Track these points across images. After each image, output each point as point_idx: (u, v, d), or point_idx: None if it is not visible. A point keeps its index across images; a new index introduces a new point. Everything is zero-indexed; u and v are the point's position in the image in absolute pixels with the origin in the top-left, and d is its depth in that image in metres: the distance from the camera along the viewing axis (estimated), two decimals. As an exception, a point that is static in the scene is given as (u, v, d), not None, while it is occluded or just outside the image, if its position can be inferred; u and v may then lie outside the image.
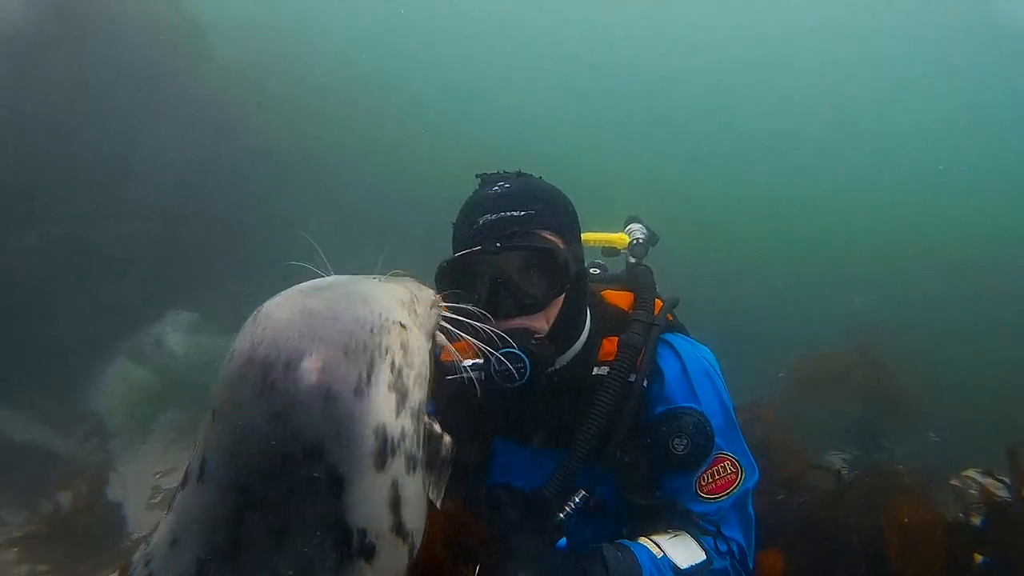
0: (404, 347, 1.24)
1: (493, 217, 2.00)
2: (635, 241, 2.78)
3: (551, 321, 2.01)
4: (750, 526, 2.12)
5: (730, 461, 2.09)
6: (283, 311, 1.19)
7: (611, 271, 2.80)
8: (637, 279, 2.41)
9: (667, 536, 2.00)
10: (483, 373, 1.91)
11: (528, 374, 1.90)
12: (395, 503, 1.16)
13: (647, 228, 2.85)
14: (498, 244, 1.95)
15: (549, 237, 2.02)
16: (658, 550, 1.93)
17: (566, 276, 1.99)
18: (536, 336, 1.98)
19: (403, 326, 1.26)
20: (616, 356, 2.12)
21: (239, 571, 1.12)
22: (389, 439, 1.16)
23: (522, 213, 2.00)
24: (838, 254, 20.94)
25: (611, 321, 2.23)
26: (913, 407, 8.08)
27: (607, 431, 2.05)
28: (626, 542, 1.95)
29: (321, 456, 1.12)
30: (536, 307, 1.98)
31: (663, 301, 2.33)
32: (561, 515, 2.02)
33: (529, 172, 2.21)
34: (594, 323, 2.21)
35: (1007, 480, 5.23)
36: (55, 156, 7.82)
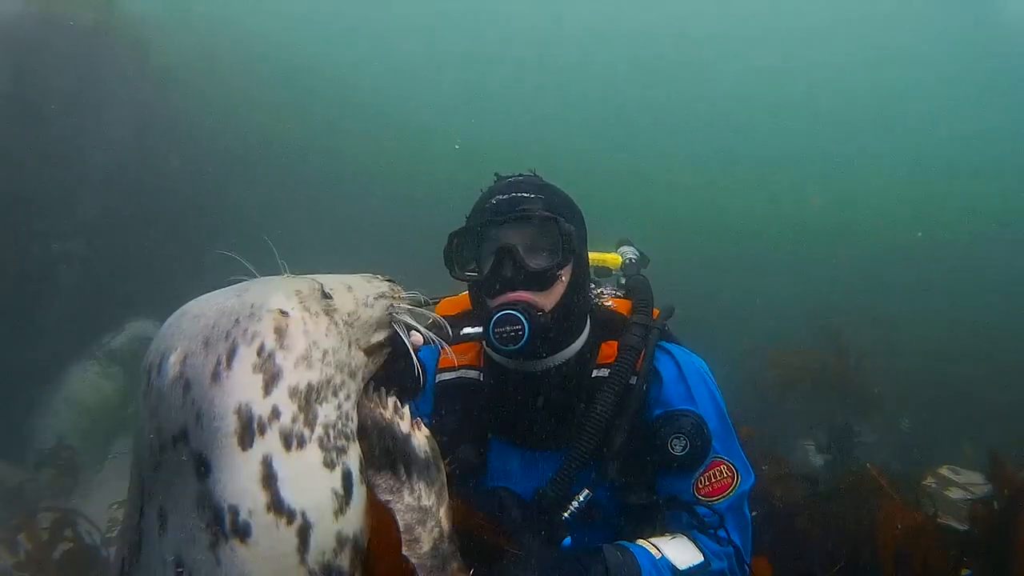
0: (279, 331, 1.29)
1: (505, 197, 2.09)
2: (627, 261, 2.86)
3: (551, 305, 2.05)
4: (747, 528, 2.16)
5: (726, 465, 2.13)
6: (170, 319, 1.34)
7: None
8: (636, 288, 2.48)
9: (665, 538, 2.03)
10: (483, 341, 2.00)
11: (526, 338, 1.94)
12: (268, 480, 1.18)
13: (638, 250, 2.95)
14: (504, 212, 2.05)
15: (557, 216, 2.10)
16: (657, 551, 1.96)
17: (570, 249, 2.04)
18: (538, 310, 2.01)
19: (282, 313, 1.31)
20: (616, 358, 2.17)
21: (140, 563, 1.23)
22: (254, 418, 1.20)
23: (533, 196, 2.10)
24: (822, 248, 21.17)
25: (610, 326, 2.29)
26: (885, 397, 8.19)
27: (607, 431, 2.09)
28: (625, 543, 1.98)
29: (186, 440, 1.19)
30: (540, 279, 2.03)
31: (660, 310, 2.39)
32: (565, 515, 2.05)
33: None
34: (593, 327, 2.27)
35: (979, 478, 5.34)
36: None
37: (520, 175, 2.24)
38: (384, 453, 1.53)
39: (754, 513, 2.27)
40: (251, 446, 1.19)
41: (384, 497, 1.49)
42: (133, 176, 9.61)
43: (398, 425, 1.56)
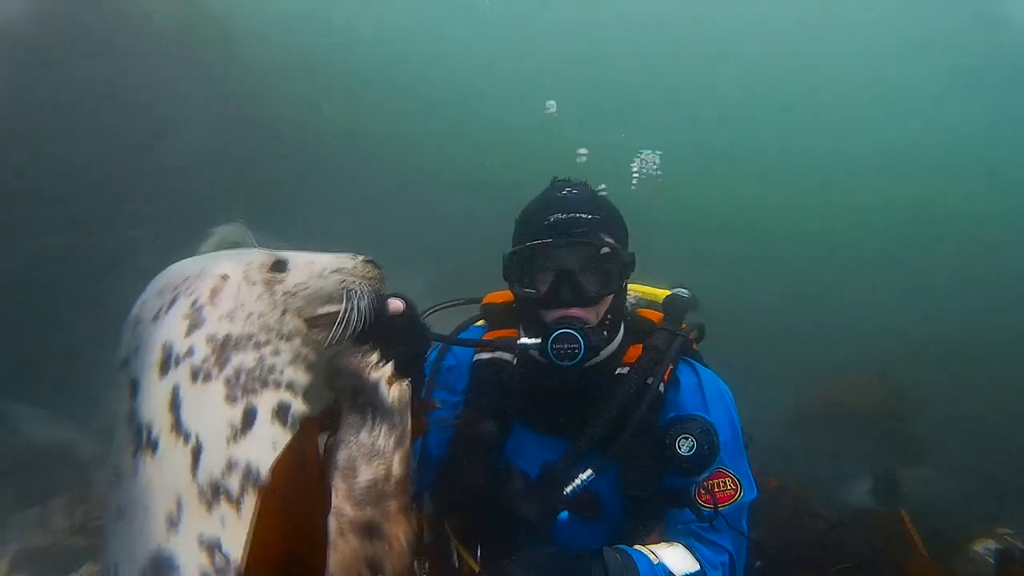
0: (214, 291, 1.59)
1: (564, 216, 2.22)
2: (676, 297, 2.93)
3: (597, 317, 2.23)
4: (741, 541, 2.21)
5: (731, 478, 2.19)
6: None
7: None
8: (672, 303, 2.63)
9: (662, 546, 2.10)
10: (539, 350, 2.19)
11: (581, 355, 2.12)
12: (174, 405, 1.46)
13: (691, 294, 3.02)
14: (569, 239, 2.20)
15: (610, 240, 2.27)
16: (655, 557, 2.02)
17: (622, 277, 2.24)
18: (587, 326, 2.18)
19: (223, 277, 1.62)
20: (639, 358, 2.30)
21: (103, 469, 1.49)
22: (173, 353, 1.49)
23: (590, 216, 2.23)
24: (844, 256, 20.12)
25: (640, 330, 2.43)
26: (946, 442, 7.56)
27: (618, 422, 2.20)
28: (623, 547, 2.04)
29: (127, 366, 1.52)
30: (592, 301, 2.20)
31: (697, 328, 2.54)
32: (567, 490, 2.16)
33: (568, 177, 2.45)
34: (624, 332, 2.41)
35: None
36: (78, 161, 8.04)
37: (573, 188, 2.34)
38: (354, 396, 1.77)
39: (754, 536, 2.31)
40: (166, 375, 1.48)
41: (344, 433, 1.72)
42: (212, 164, 10.11)
43: (368, 375, 1.77)
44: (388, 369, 1.79)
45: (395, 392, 1.76)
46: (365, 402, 1.75)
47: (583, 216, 2.22)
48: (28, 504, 6.30)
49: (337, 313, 1.77)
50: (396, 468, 1.74)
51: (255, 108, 11.57)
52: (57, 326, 7.16)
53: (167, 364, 1.49)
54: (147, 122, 9.36)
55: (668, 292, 2.93)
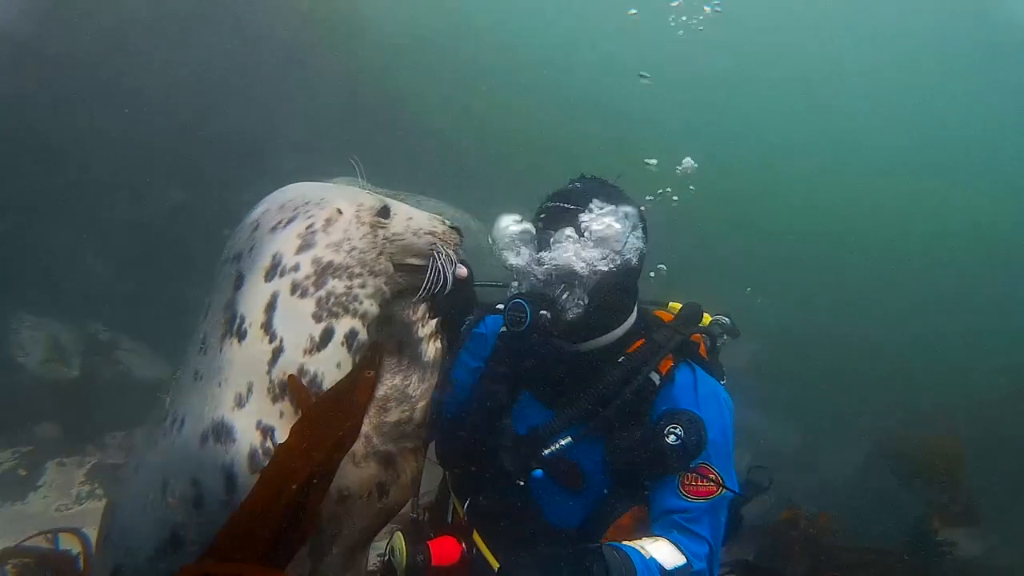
0: (329, 221, 1.82)
1: (551, 205, 2.40)
2: (716, 322, 3.03)
3: (576, 300, 2.33)
4: (720, 532, 2.28)
5: (715, 475, 2.25)
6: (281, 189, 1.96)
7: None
8: (688, 308, 2.73)
9: (649, 540, 2.16)
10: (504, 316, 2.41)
11: (527, 323, 2.28)
12: (270, 307, 1.69)
13: (732, 323, 3.13)
14: (545, 227, 2.37)
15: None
16: (646, 552, 2.09)
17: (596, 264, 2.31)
18: (556, 304, 2.33)
19: (339, 211, 1.85)
20: (637, 347, 2.42)
21: (193, 337, 1.79)
22: (280, 264, 1.73)
23: (574, 208, 2.35)
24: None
25: (649, 328, 2.53)
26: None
27: (604, 399, 2.32)
28: (617, 544, 2.12)
29: (239, 260, 1.76)
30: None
31: (704, 336, 2.62)
32: (545, 451, 2.30)
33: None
34: (636, 325, 2.51)
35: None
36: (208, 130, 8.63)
37: (580, 182, 2.48)
38: (397, 344, 2.02)
39: None
40: (270, 281, 1.72)
41: (384, 373, 1.96)
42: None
43: (416, 329, 2.03)
44: (432, 326, 2.05)
45: (432, 349, 2.03)
46: (405, 351, 2.00)
47: (567, 206, 2.35)
48: (117, 428, 6.88)
49: (420, 266, 2.00)
50: (418, 414, 2.04)
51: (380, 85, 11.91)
52: (174, 275, 7.64)
53: (273, 272, 1.72)
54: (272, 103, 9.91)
55: (707, 315, 2.98)
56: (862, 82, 26.78)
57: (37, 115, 7.11)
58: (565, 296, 2.33)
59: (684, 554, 2.13)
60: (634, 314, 2.53)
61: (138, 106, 7.93)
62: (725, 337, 3.01)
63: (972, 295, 18.69)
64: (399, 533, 2.30)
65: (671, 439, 2.21)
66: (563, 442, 2.31)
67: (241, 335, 1.68)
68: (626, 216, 2.36)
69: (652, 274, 2.78)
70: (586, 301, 2.33)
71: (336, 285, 1.78)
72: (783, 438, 8.19)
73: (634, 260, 2.41)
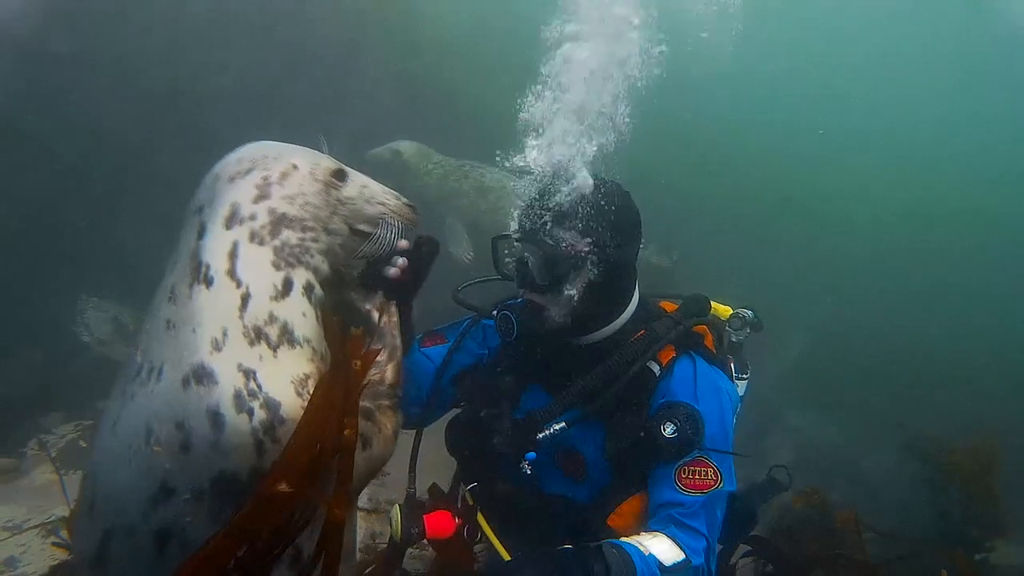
0: (284, 175, 1.90)
1: (535, 209, 2.34)
2: (737, 315, 3.03)
3: (561, 303, 2.34)
4: (716, 527, 2.29)
5: (712, 468, 2.26)
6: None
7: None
8: (693, 299, 2.71)
9: (647, 536, 2.18)
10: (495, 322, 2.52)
11: (515, 334, 2.43)
12: (232, 255, 1.77)
13: (757, 317, 3.09)
14: (523, 231, 2.36)
15: (566, 239, 2.30)
16: (644, 549, 2.11)
17: (567, 275, 2.30)
18: (540, 312, 2.35)
19: (295, 166, 1.93)
20: (636, 337, 2.43)
21: (161, 285, 1.86)
22: (238, 213, 1.81)
23: (552, 208, 2.32)
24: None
25: (651, 318, 2.54)
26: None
27: (601, 387, 2.33)
28: (616, 541, 2.15)
29: (201, 212, 1.85)
30: (542, 290, 2.34)
31: (710, 325, 2.61)
32: (539, 435, 2.32)
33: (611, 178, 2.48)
34: (638, 315, 2.52)
35: None
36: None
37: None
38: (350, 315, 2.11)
39: None
40: (230, 229, 1.81)
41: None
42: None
43: (363, 300, 2.18)
44: (377, 300, 2.17)
45: (384, 318, 2.14)
46: (359, 321, 2.08)
47: (548, 207, 2.30)
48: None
49: (370, 233, 2.07)
50: (390, 375, 2.14)
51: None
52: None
53: (232, 220, 1.81)
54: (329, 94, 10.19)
55: (727, 308, 3.00)
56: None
57: (121, 116, 7.52)
58: (549, 301, 2.33)
59: (682, 549, 2.14)
60: (634, 304, 2.53)
61: (201, 102, 8.33)
62: (747, 331, 2.98)
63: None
64: (396, 507, 2.40)
65: (668, 432, 2.23)
66: (557, 427, 2.32)
67: (209, 281, 1.75)
68: (600, 213, 2.32)
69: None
70: (572, 304, 2.33)
71: (290, 236, 1.85)
72: (824, 436, 7.97)
73: (622, 252, 2.39)
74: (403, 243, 2.16)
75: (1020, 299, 16.86)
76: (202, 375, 1.66)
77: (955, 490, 6.24)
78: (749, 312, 3.05)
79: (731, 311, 3.01)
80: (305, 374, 1.78)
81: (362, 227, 2.06)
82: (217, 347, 1.69)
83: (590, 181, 2.36)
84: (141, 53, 8.09)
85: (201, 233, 1.82)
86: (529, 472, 2.33)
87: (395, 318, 2.20)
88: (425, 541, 2.41)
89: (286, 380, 1.73)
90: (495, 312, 2.54)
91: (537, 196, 2.35)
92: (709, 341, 2.57)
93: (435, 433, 2.72)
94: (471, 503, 2.52)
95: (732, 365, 2.77)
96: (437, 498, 2.59)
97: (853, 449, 7.93)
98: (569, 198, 2.30)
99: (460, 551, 2.44)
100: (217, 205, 1.84)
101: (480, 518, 2.46)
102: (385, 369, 2.14)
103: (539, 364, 2.52)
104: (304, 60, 9.73)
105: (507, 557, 2.37)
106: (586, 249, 2.29)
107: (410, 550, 2.84)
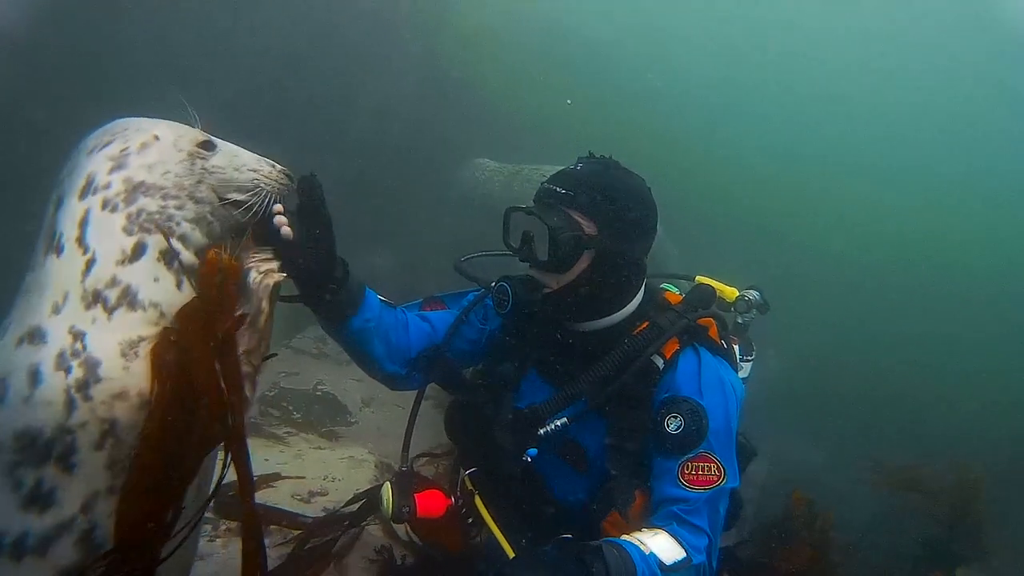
0: (144, 145, 1.94)
1: (547, 186, 2.43)
2: (743, 298, 3.06)
3: (561, 284, 2.38)
4: (718, 524, 2.28)
5: (716, 464, 2.24)
6: None
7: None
8: (697, 290, 2.71)
9: (648, 534, 2.16)
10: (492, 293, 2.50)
11: (509, 306, 2.39)
12: (83, 223, 1.84)
13: (763, 298, 3.10)
14: (534, 205, 2.41)
15: (578, 218, 2.35)
16: (645, 547, 2.10)
17: (570, 255, 2.33)
18: (541, 288, 2.39)
19: (156, 137, 1.98)
20: (640, 330, 2.43)
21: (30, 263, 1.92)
22: (93, 183, 1.87)
23: (563, 191, 2.38)
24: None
25: (656, 310, 2.53)
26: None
27: (604, 381, 2.33)
28: (616, 540, 2.14)
29: (61, 184, 1.92)
30: (544, 267, 2.39)
31: (715, 319, 2.58)
32: (541, 431, 2.33)
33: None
34: (642, 308, 2.53)
35: None
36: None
37: (582, 163, 2.48)
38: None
39: None
40: (83, 199, 1.87)
41: None
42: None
43: (245, 262, 2.09)
44: (255, 259, 2.10)
45: (257, 279, 2.05)
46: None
47: (559, 190, 2.38)
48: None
49: (243, 202, 2.08)
50: (244, 341, 2.05)
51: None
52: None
53: (87, 190, 1.87)
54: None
55: (733, 290, 3.00)
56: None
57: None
58: (548, 279, 2.37)
59: (683, 547, 2.12)
60: (639, 298, 2.54)
61: (223, 72, 8.56)
62: (754, 312, 3.00)
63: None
64: (388, 484, 2.45)
65: (671, 428, 2.23)
66: (559, 422, 2.35)
67: (59, 249, 1.83)
68: (612, 200, 2.34)
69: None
70: (571, 287, 2.35)
71: (148, 203, 1.88)
72: (806, 458, 7.90)
73: (630, 243, 2.41)
74: (278, 207, 2.15)
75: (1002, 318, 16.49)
76: (35, 336, 1.76)
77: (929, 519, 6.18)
78: (755, 293, 3.05)
79: (737, 293, 2.99)
80: (140, 336, 1.82)
81: (233, 195, 2.06)
82: (56, 311, 1.78)
83: (611, 169, 2.41)
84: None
85: (59, 204, 1.90)
86: (530, 461, 2.35)
87: (270, 280, 2.10)
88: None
89: (114, 341, 1.79)
90: (494, 284, 2.50)
91: (556, 174, 2.43)
92: (714, 332, 2.53)
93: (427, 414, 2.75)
94: (470, 488, 2.54)
95: (737, 347, 2.75)
96: (431, 477, 2.62)
97: (832, 470, 7.87)
98: (587, 181, 2.34)
99: (451, 531, 2.47)
100: (75, 177, 1.91)
101: (479, 503, 2.49)
102: (243, 334, 2.08)
103: (537, 345, 2.53)
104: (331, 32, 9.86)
105: (504, 542, 2.39)
106: (592, 233, 2.34)
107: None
